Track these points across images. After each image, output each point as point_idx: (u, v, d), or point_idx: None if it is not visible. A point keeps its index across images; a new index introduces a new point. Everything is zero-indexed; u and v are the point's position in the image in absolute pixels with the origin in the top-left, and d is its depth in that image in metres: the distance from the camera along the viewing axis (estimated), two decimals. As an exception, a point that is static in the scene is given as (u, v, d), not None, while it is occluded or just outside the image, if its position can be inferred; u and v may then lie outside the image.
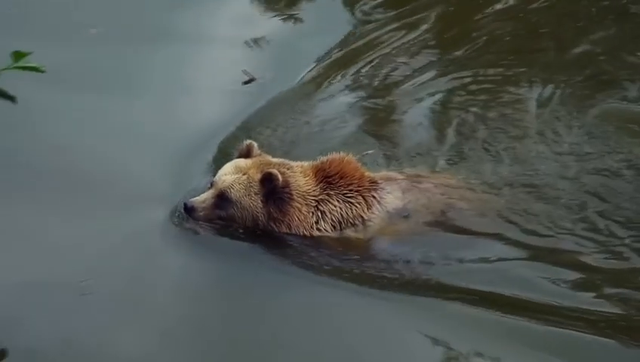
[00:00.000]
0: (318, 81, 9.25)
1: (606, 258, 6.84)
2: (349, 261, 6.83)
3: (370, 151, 7.96)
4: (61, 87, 8.28)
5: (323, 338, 6.21)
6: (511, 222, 7.14)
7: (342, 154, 7.16)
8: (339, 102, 8.88)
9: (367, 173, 7.17)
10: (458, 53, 9.71)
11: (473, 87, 9.06)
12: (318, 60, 9.62)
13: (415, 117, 8.64)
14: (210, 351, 6.07)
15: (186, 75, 9.17)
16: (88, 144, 7.96)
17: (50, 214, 7.11)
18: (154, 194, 7.34)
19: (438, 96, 8.97)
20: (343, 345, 6.13)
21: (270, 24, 10.20)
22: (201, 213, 6.87)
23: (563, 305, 6.41)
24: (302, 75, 9.32)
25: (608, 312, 6.34)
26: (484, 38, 9.89)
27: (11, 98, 4.75)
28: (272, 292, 6.62)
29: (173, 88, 8.92)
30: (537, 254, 6.89)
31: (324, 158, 7.15)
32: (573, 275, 6.68)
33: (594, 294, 6.53)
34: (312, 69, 9.44)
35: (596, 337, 6.13)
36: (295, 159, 7.30)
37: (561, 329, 6.18)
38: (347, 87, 9.18)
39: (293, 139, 8.24)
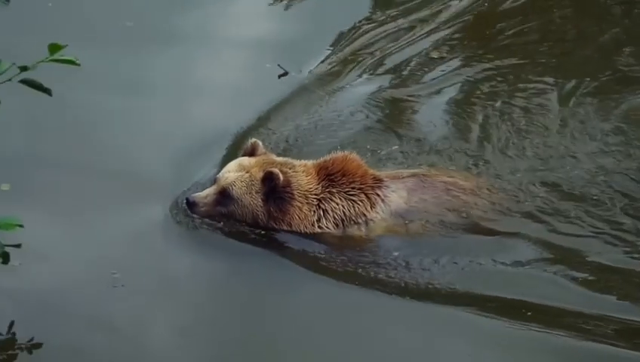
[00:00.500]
0: (338, 75, 9.23)
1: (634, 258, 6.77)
2: (351, 259, 6.81)
3: (395, 147, 7.96)
4: (88, 84, 8.35)
5: (328, 336, 6.24)
6: (528, 224, 7.05)
7: (345, 152, 7.14)
8: (358, 96, 8.80)
9: (370, 171, 7.13)
10: (483, 45, 9.63)
11: (496, 82, 8.97)
12: (335, 55, 9.61)
13: (438, 113, 8.55)
14: (231, 342, 6.18)
15: (200, 74, 9.20)
16: (108, 140, 8.07)
17: (77, 206, 7.25)
18: (167, 188, 7.42)
19: (461, 91, 8.88)
20: (348, 344, 6.16)
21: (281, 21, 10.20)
22: (202, 209, 6.94)
23: (581, 312, 6.35)
24: (322, 69, 9.33)
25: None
26: (510, 31, 9.79)
27: (47, 91, 4.83)
28: (284, 287, 6.69)
29: (188, 87, 8.96)
30: (552, 258, 6.80)
31: (327, 157, 7.15)
32: (593, 280, 6.59)
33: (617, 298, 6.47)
34: (331, 63, 9.45)
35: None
36: (311, 155, 7.36)
37: (581, 340, 6.14)
38: (367, 80, 9.13)
39: (310, 135, 8.22)
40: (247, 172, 6.92)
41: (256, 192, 6.90)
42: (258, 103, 8.56)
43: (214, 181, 7.03)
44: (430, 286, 6.55)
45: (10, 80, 4.71)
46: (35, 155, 7.71)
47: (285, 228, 6.95)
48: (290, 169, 7.00)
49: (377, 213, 7.01)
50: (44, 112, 7.87)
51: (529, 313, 6.28)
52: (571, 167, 7.62)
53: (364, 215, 7.01)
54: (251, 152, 7.12)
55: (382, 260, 6.80)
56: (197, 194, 6.97)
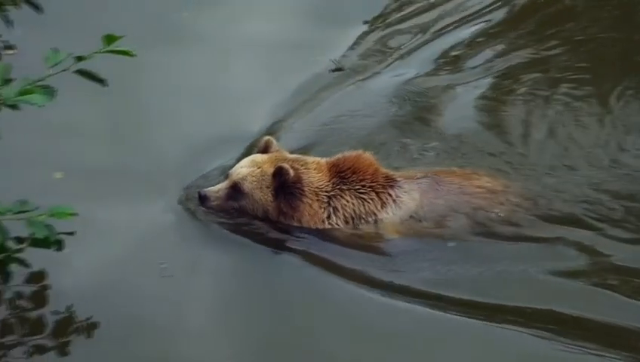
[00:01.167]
0: (372, 67, 9.26)
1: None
2: (358, 258, 6.84)
3: (433, 144, 7.95)
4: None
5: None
6: (560, 231, 6.95)
7: (359, 151, 7.16)
8: (391, 89, 8.80)
9: (383, 170, 7.12)
10: (523, 36, 9.54)
11: (536, 75, 8.83)
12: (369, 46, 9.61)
13: (472, 107, 8.51)
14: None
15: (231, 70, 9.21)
16: (135, 134, 8.14)
17: (122, 195, 7.34)
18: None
19: (497, 85, 8.79)
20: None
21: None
22: (214, 203, 7.01)
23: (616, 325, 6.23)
24: (358, 60, 9.35)
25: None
26: (552, 30, 9.59)
27: (102, 81, 4.87)
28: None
29: (220, 81, 8.97)
30: (578, 265, 6.69)
31: (340, 154, 7.18)
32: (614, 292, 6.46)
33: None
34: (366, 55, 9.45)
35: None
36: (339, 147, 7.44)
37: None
38: (400, 72, 9.11)
39: (340, 129, 8.28)
40: (258, 167, 6.98)
41: (267, 187, 6.95)
42: (297, 96, 8.68)
43: (227, 176, 7.11)
44: (436, 291, 6.51)
45: (66, 70, 4.77)
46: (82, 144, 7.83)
47: (295, 224, 7.00)
48: (301, 165, 7.03)
49: (388, 212, 7.01)
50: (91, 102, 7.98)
51: (551, 325, 6.19)
52: (612, 172, 7.48)
53: (374, 214, 7.01)
54: (265, 149, 7.19)
55: (385, 261, 6.83)
56: (209, 188, 7.05)
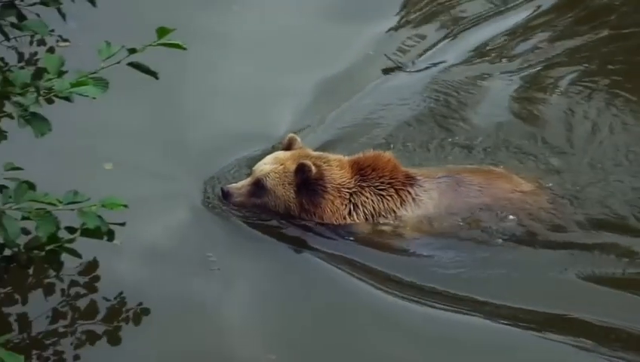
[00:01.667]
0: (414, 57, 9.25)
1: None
2: (377, 255, 6.88)
3: (467, 138, 7.92)
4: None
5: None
6: (574, 239, 6.89)
7: (379, 151, 7.23)
8: (423, 82, 8.81)
9: (402, 168, 7.16)
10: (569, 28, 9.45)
11: (588, 82, 8.67)
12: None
13: (509, 101, 8.47)
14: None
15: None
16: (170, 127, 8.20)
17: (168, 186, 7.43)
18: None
19: (535, 84, 8.72)
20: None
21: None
22: (236, 199, 7.09)
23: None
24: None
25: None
26: (595, 22, 9.48)
27: (153, 73, 4.91)
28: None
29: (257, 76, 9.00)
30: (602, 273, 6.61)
31: (360, 153, 7.24)
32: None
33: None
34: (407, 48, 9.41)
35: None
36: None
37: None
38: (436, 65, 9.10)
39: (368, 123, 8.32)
40: (281, 164, 7.06)
41: (289, 184, 7.01)
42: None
43: (250, 173, 7.17)
44: (451, 292, 6.53)
45: (118, 63, 4.82)
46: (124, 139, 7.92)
47: (317, 220, 7.05)
48: (324, 163, 7.10)
49: (406, 210, 7.04)
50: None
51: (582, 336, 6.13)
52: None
53: (394, 211, 7.05)
54: (288, 147, 7.25)
55: (404, 260, 6.86)
56: (232, 185, 7.14)
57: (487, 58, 9.18)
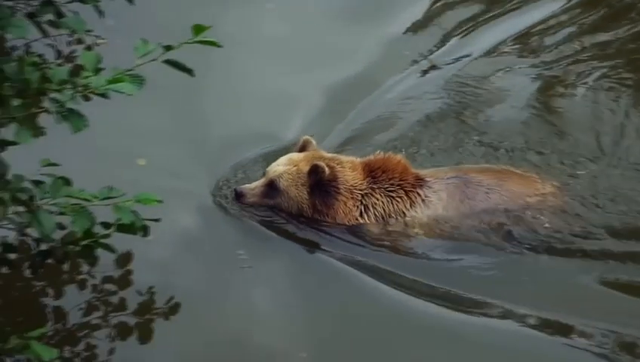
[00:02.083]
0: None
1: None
2: (388, 256, 6.93)
3: (502, 139, 7.84)
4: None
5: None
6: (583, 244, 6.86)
7: (390, 153, 7.26)
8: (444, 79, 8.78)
9: (412, 170, 7.20)
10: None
11: (614, 81, 8.61)
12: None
13: (531, 102, 8.41)
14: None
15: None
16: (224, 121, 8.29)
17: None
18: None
19: (559, 80, 8.68)
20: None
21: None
22: (250, 200, 7.17)
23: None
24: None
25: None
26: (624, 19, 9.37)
27: (189, 71, 4.94)
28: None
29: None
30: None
31: (372, 155, 7.29)
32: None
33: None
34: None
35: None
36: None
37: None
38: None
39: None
40: (294, 166, 7.13)
41: (302, 185, 7.08)
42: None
43: (263, 174, 7.23)
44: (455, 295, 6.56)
45: (154, 60, 4.85)
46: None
47: (329, 221, 7.10)
48: (337, 164, 7.16)
49: (416, 211, 7.07)
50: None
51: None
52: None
53: (403, 213, 7.08)
54: (302, 148, 7.31)
55: (412, 260, 6.90)
56: (245, 185, 7.21)
57: (510, 54, 9.16)
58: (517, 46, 9.26)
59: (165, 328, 6.15)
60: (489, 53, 9.15)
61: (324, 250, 7.00)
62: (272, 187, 7.13)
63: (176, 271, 6.65)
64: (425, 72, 8.97)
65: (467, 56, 9.12)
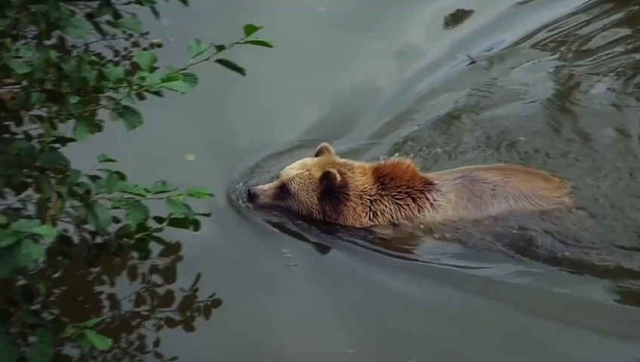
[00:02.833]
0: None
1: None
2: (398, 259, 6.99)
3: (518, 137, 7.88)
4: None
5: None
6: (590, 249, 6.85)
7: (398, 158, 7.33)
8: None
9: (420, 175, 7.25)
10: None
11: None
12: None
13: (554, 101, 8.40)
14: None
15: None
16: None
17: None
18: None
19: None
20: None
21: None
22: (262, 201, 7.29)
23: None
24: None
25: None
26: None
27: (241, 70, 5.04)
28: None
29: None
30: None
31: (382, 161, 7.35)
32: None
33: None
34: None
35: None
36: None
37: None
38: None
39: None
40: (307, 170, 7.24)
41: (313, 190, 7.20)
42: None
43: (277, 176, 7.34)
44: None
45: (207, 59, 4.97)
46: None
47: (340, 222, 7.20)
48: (348, 170, 7.25)
49: (425, 216, 7.14)
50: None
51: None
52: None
53: (411, 219, 7.15)
54: (319, 154, 7.41)
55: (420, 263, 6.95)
56: (259, 186, 7.34)
57: (529, 52, 9.14)
58: (535, 46, 9.25)
59: (208, 324, 6.29)
60: (510, 51, 9.15)
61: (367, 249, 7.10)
62: (283, 190, 7.26)
63: (221, 267, 6.82)
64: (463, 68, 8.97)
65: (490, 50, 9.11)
